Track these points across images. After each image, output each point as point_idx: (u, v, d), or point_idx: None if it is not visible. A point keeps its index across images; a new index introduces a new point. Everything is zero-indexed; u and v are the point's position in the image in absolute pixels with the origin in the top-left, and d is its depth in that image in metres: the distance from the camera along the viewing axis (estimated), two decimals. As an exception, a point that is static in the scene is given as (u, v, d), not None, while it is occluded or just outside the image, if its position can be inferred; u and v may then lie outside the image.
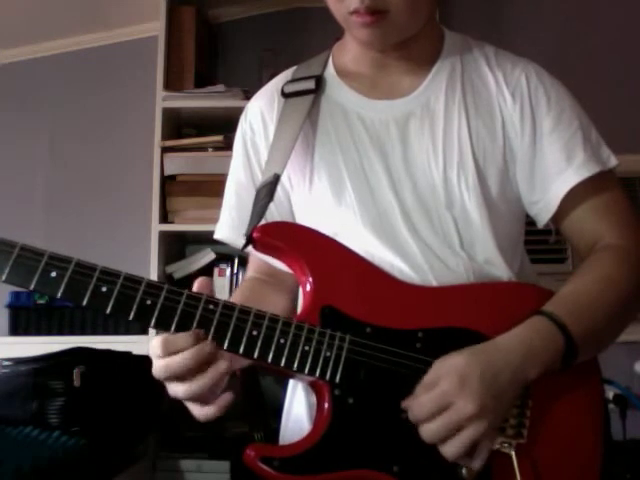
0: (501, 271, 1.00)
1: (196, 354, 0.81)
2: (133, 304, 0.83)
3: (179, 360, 0.81)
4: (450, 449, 0.83)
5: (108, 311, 0.83)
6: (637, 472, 1.90)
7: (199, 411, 0.84)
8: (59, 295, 0.82)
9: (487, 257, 1.00)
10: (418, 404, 0.84)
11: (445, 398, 0.83)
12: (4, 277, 0.82)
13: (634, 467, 1.92)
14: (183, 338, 0.82)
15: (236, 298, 1.02)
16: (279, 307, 1.04)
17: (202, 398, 0.84)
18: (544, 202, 1.02)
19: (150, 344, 0.84)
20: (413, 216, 1.00)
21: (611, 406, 1.86)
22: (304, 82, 1.07)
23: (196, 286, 0.87)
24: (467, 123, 1.02)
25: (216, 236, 1.14)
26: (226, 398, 0.84)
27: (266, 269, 1.11)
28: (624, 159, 1.06)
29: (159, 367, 0.82)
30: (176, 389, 0.83)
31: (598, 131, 1.05)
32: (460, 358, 0.85)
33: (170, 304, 0.84)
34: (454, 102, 1.03)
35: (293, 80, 1.09)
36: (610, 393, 1.79)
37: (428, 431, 0.84)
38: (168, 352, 0.82)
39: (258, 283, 1.12)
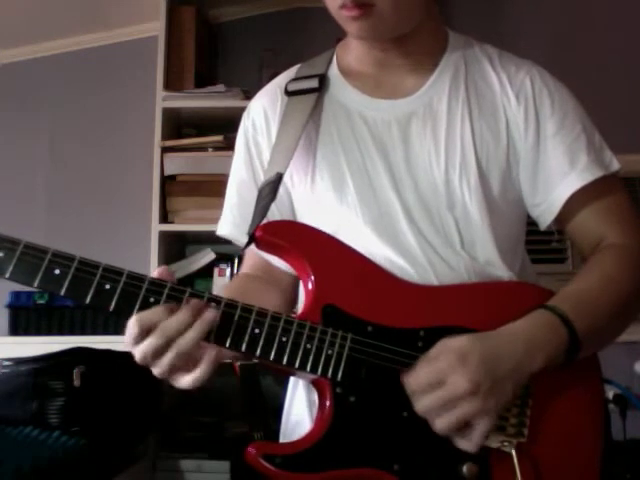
0: (501, 271, 1.00)
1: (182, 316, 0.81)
2: (136, 302, 0.83)
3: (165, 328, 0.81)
4: (440, 422, 0.84)
5: (111, 308, 0.82)
6: (637, 472, 1.90)
7: (189, 378, 0.83)
8: (62, 292, 0.82)
9: (487, 258, 1.00)
10: (414, 376, 0.86)
11: (440, 373, 0.84)
12: (8, 274, 0.82)
13: (634, 467, 1.92)
14: (157, 312, 0.82)
15: (225, 293, 1.01)
16: (268, 303, 1.03)
17: (186, 362, 0.83)
18: (547, 205, 1.02)
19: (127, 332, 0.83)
20: (415, 215, 1.00)
21: (611, 406, 1.85)
22: (308, 81, 1.07)
23: (156, 274, 0.85)
24: (470, 124, 1.02)
25: (219, 232, 1.13)
26: (212, 353, 0.83)
27: (262, 266, 1.11)
28: (624, 159, 1.06)
29: (139, 350, 0.81)
30: (162, 363, 0.82)
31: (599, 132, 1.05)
32: (464, 338, 0.87)
33: (173, 302, 0.83)
34: (457, 103, 1.03)
35: (297, 78, 1.09)
36: (610, 393, 1.79)
37: (420, 403, 0.85)
38: (143, 328, 0.81)
39: (249, 278, 1.12)
